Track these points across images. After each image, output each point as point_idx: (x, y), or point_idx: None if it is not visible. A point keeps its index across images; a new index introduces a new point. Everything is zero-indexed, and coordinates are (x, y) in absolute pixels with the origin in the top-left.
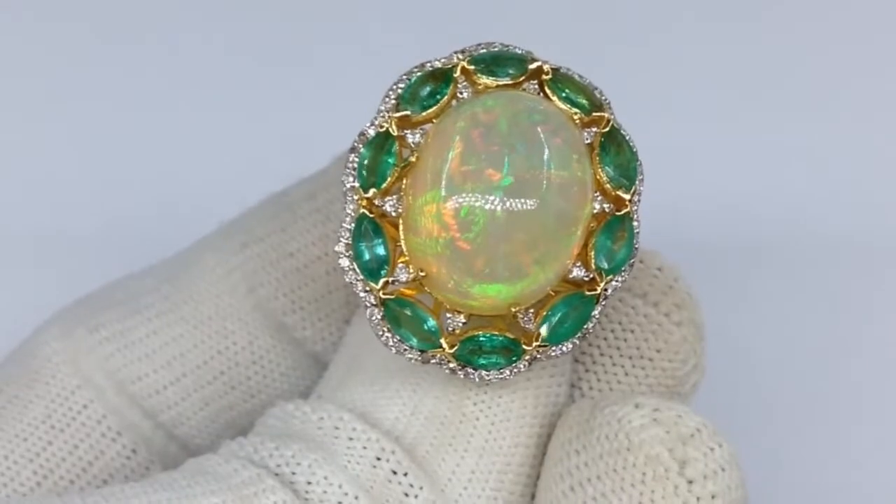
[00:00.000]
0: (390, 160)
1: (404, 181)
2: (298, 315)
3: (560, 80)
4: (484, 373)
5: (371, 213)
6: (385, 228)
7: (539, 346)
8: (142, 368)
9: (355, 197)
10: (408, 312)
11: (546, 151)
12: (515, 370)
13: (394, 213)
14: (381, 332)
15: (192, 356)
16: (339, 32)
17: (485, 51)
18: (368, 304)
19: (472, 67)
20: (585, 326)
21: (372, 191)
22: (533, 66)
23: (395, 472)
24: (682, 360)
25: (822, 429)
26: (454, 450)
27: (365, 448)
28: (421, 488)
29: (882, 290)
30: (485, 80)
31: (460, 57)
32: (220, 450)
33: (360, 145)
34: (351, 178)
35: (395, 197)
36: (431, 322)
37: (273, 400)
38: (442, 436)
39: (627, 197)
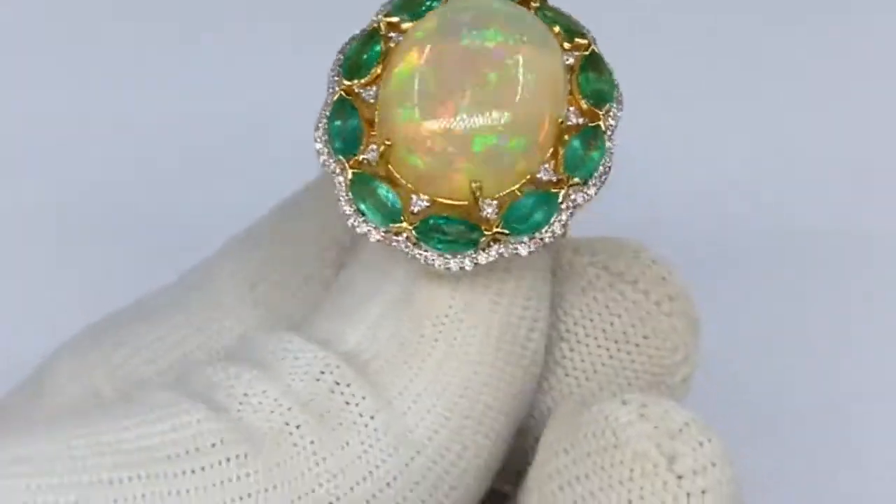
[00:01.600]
0: (376, 48)
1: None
2: (300, 315)
3: (547, 10)
4: (440, 258)
5: (349, 96)
6: (361, 111)
7: (498, 232)
8: (146, 372)
9: (336, 87)
10: (374, 189)
11: (526, 22)
12: (474, 259)
13: (371, 100)
14: (345, 208)
15: (195, 357)
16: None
17: None
18: (336, 179)
19: (396, 19)
20: (548, 227)
21: (355, 81)
22: None
23: (337, 384)
24: (670, 348)
25: (815, 427)
26: (409, 367)
27: (310, 365)
28: (364, 398)
29: (877, 284)
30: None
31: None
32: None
33: (348, 45)
34: (335, 73)
35: (374, 89)
36: (396, 201)
37: None
38: (399, 354)
39: (602, 112)
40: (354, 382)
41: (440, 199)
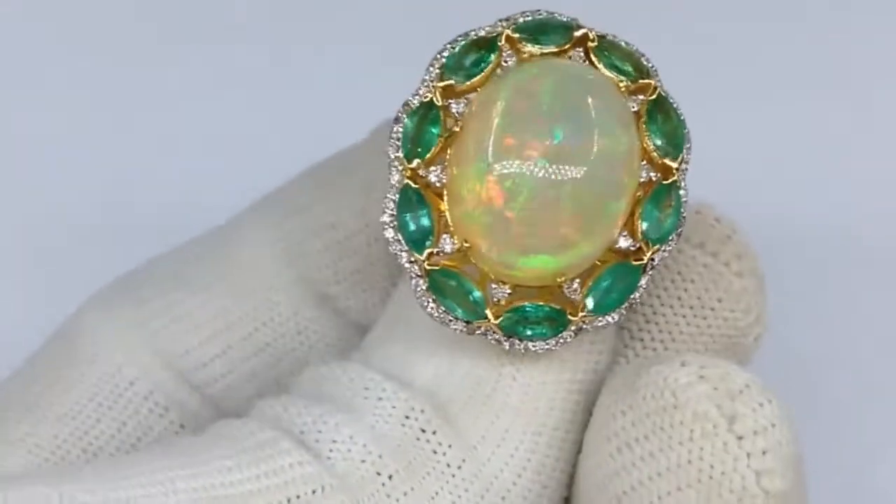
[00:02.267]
0: (434, 130)
1: (448, 151)
2: (341, 286)
3: (606, 48)
4: (530, 344)
5: (415, 183)
6: (429, 199)
7: (585, 316)
8: (189, 341)
9: (399, 167)
10: (453, 283)
11: (592, 119)
12: (561, 341)
13: (438, 184)
14: (425, 303)
15: (238, 328)
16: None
17: (530, 18)
18: (413, 275)
19: (517, 35)
20: (632, 296)
21: (416, 161)
22: (578, 33)
23: (423, 431)
24: (743, 309)
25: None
26: (488, 409)
27: (394, 407)
28: (450, 446)
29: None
30: (530, 48)
31: (504, 25)
32: (251, 411)
33: (404, 115)
34: (395, 149)
35: (439, 167)
36: (477, 293)
37: None
38: (477, 394)
39: (675, 165)
40: (440, 430)
41: (521, 285)
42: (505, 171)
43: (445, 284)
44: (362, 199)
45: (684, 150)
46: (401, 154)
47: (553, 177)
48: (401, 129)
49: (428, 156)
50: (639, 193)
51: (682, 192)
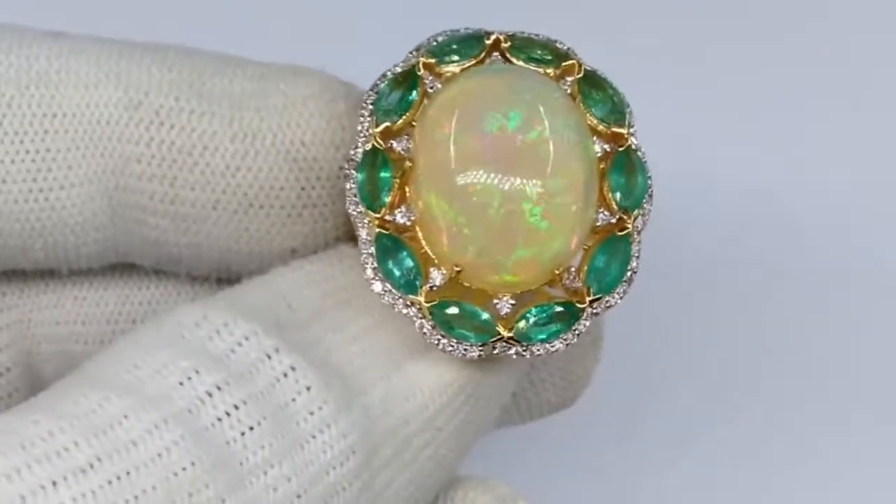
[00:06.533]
0: (386, 174)
1: (408, 189)
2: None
3: (520, 45)
4: (549, 346)
5: (386, 230)
6: (406, 241)
7: (593, 300)
8: None
9: (366, 221)
10: (455, 311)
11: (538, 106)
12: (577, 332)
13: (408, 223)
14: (437, 342)
15: None
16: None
17: (439, 39)
18: (416, 318)
19: (433, 60)
20: (630, 266)
21: (381, 209)
22: (490, 40)
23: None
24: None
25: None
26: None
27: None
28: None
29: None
30: (448, 68)
31: (416, 54)
32: None
33: (353, 170)
34: (355, 205)
35: (403, 207)
36: (483, 315)
37: None
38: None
39: (624, 131)
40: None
41: (523, 291)
42: (470, 182)
43: (450, 316)
44: None
45: (627, 114)
46: (363, 208)
47: (516, 185)
48: (354, 185)
49: (389, 199)
50: (602, 166)
51: (639, 153)
